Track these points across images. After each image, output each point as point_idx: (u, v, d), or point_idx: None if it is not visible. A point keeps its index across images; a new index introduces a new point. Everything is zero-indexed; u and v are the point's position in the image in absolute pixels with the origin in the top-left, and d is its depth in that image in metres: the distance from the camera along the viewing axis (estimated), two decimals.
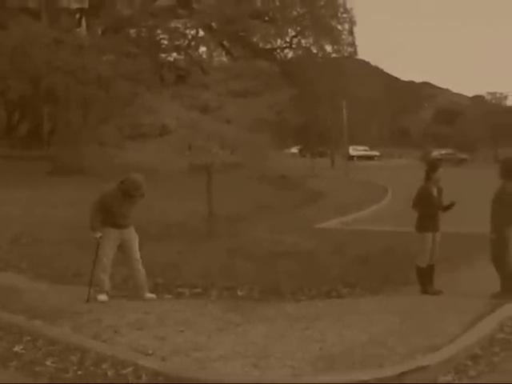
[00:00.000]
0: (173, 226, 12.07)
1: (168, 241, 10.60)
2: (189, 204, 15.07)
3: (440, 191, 7.83)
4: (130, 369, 5.27)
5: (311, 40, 32.90)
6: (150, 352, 5.57)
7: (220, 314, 6.79)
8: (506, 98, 75.69)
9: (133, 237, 7.60)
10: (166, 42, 31.07)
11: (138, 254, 7.59)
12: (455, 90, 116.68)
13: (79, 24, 29.44)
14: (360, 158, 61.44)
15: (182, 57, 31.84)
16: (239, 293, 7.62)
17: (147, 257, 9.13)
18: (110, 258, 7.46)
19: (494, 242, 7.54)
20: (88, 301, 7.22)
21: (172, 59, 32.19)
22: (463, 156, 61.38)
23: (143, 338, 5.96)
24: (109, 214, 7.39)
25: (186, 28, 30.82)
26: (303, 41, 33.40)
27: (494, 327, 6.37)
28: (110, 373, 5.27)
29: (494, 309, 6.94)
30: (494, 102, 75.37)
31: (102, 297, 7.38)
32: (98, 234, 7.41)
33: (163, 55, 32.13)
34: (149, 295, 7.53)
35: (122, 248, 7.54)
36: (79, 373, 5.31)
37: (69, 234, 11.25)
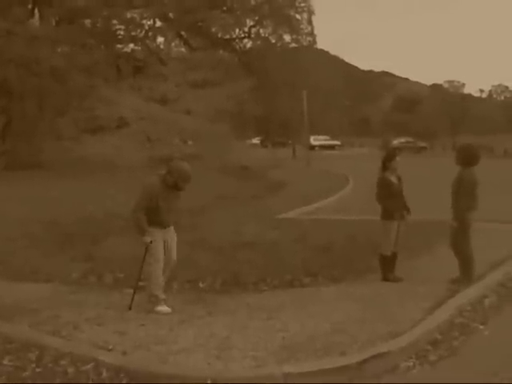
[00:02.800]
0: None
1: (129, 235, 10.43)
2: None
3: (399, 179, 7.90)
4: (90, 365, 5.18)
5: (270, 30, 32.90)
6: (111, 347, 5.48)
7: (181, 306, 6.73)
8: (463, 86, 77.22)
9: (173, 236, 6.79)
10: (122, 33, 30.53)
11: (175, 257, 6.81)
12: (414, 79, 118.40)
13: (32, 15, 28.71)
14: (321, 147, 61.76)
15: (139, 48, 31.39)
16: (201, 285, 7.56)
17: (108, 252, 9.07)
18: (162, 264, 6.61)
19: (453, 228, 7.64)
20: (130, 308, 6.59)
21: (129, 50, 31.69)
22: (423, 144, 62.29)
23: (103, 333, 5.87)
24: (153, 212, 6.46)
25: (142, 18, 30.31)
26: (262, 31, 33.42)
27: (453, 312, 6.46)
28: (69, 370, 5.17)
29: (454, 294, 7.05)
30: (451, 90, 76.67)
31: (164, 308, 6.58)
32: (149, 239, 6.47)
33: (120, 46, 31.58)
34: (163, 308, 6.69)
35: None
36: (38, 370, 5.20)
37: (25, 229, 11.01)
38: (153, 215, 6.46)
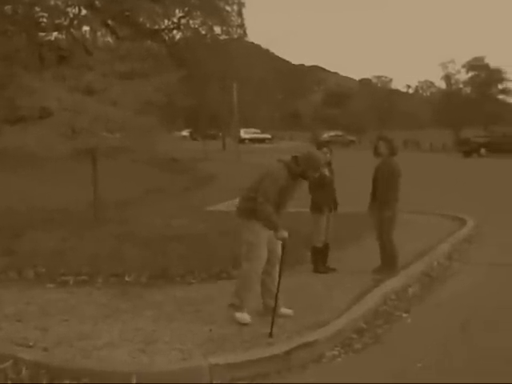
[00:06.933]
0: (57, 213, 11.56)
1: (52, 228, 10.14)
2: (74, 190, 14.53)
3: (331, 171, 7.96)
4: (8, 363, 4.95)
5: (199, 21, 32.64)
6: (31, 344, 5.27)
7: (106, 301, 6.57)
8: (390, 81, 79.21)
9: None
10: (45, 21, 29.46)
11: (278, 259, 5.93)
12: (344, 74, 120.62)
13: None
14: (251, 140, 62.09)
15: (64, 36, 30.41)
16: (127, 279, 7.39)
17: (29, 246, 8.74)
18: (263, 263, 5.83)
19: (377, 219, 7.78)
20: (271, 335, 5.43)
21: (52, 38, 30.64)
22: (352, 138, 63.64)
23: (23, 329, 5.64)
24: (273, 204, 5.67)
25: (67, 6, 29.35)
26: (191, 22, 33.09)
27: (378, 301, 6.59)
28: None
29: (379, 284, 7.20)
30: (379, 85, 78.49)
31: (244, 317, 5.82)
32: (286, 233, 5.63)
33: (42, 34, 30.48)
34: (285, 310, 6.04)
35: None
36: None
37: None
38: (272, 207, 5.68)
